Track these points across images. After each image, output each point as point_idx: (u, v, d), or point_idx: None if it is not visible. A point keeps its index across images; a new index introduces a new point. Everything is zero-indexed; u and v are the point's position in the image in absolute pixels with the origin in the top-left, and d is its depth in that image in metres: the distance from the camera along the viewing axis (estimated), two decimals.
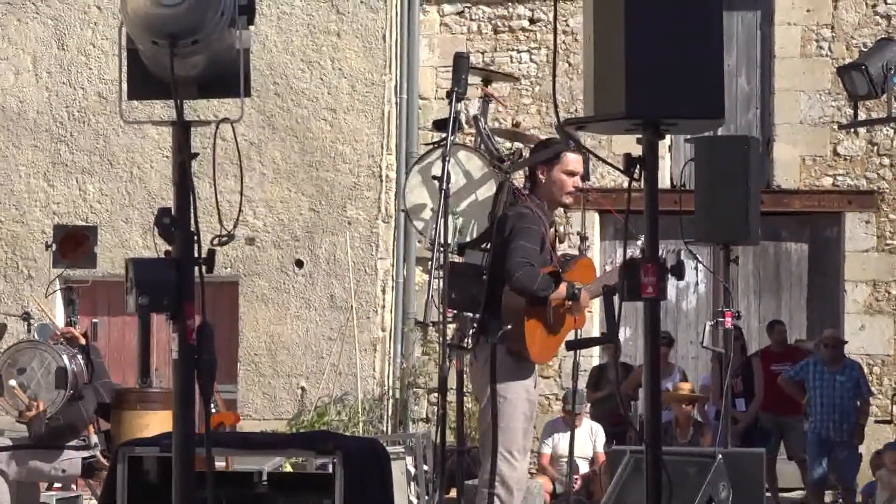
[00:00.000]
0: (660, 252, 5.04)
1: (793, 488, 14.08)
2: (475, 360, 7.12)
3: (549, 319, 7.09)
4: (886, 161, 15.18)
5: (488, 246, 7.16)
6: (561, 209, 7.58)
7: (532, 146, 7.58)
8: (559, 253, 7.54)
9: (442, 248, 6.96)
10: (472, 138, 7.66)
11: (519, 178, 7.88)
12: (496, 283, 7.03)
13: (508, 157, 7.37)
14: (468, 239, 7.23)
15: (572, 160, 7.24)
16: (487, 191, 7.26)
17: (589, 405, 13.35)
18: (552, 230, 7.27)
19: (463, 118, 7.40)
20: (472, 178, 7.28)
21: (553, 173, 7.22)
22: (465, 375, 7.25)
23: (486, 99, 7.79)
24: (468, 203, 7.23)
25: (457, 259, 7.23)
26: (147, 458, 6.27)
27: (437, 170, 7.14)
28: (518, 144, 7.79)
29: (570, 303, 7.11)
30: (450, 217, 7.09)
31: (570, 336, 7.48)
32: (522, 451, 7.08)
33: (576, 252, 8.60)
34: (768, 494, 10.95)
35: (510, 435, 6.98)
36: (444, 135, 7.24)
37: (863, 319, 15.04)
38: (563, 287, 7.06)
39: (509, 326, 6.93)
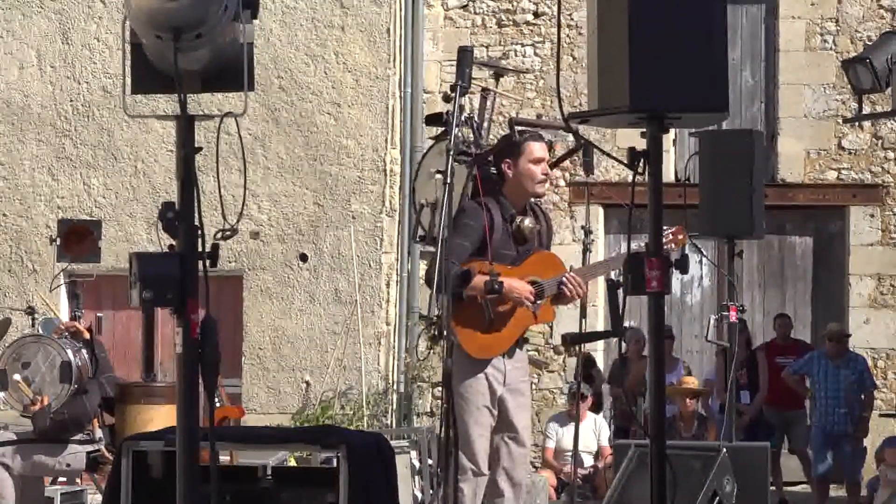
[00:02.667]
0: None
1: (797, 482, 14.07)
2: None
3: (487, 314, 6.90)
4: (891, 154, 15.16)
5: None
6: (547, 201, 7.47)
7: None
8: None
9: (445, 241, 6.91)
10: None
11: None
12: None
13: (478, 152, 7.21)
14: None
15: (536, 148, 7.05)
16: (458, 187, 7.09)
17: (590, 399, 13.35)
18: (516, 223, 7.01)
19: (467, 110, 7.32)
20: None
21: (519, 166, 7.02)
22: None
23: (484, 94, 7.69)
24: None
25: None
26: (151, 453, 6.27)
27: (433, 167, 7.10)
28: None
29: (492, 297, 6.83)
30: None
31: (568, 329, 7.43)
32: (476, 435, 6.94)
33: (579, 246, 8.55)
34: (773, 488, 10.94)
35: (462, 428, 6.77)
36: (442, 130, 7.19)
37: (867, 313, 15.03)
38: (478, 280, 6.79)
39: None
